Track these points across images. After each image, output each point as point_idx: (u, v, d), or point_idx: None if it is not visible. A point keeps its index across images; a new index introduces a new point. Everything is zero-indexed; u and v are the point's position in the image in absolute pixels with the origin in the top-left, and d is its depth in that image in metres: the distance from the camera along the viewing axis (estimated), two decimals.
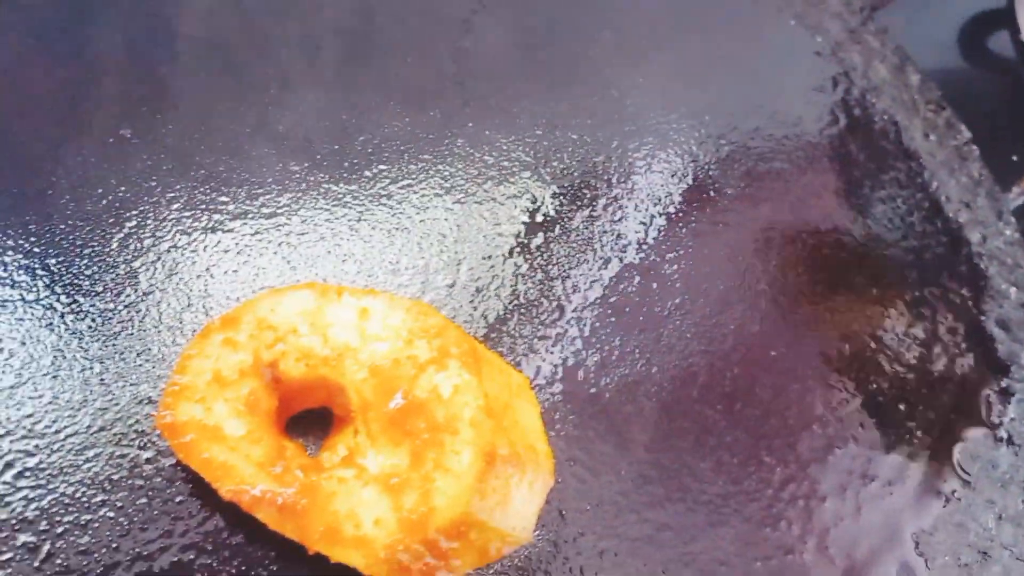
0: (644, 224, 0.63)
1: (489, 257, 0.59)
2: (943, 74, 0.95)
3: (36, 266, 0.53)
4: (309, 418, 0.51)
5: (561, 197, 0.63)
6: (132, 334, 0.53)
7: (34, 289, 0.53)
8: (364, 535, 0.45)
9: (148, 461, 0.49)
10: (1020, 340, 0.66)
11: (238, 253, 0.56)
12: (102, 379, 0.51)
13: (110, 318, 0.53)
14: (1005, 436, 0.62)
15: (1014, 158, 0.89)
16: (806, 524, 0.56)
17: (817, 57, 0.74)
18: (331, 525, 0.45)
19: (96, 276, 0.54)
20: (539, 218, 0.62)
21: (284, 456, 0.47)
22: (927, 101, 0.75)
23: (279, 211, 0.58)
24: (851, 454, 0.59)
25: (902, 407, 0.61)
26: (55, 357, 0.51)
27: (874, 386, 0.61)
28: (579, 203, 0.63)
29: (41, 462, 0.48)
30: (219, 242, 0.56)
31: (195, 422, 0.47)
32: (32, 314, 0.52)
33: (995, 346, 0.65)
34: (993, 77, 1.00)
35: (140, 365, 0.52)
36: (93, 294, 0.53)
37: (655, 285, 0.61)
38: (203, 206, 0.57)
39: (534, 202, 0.62)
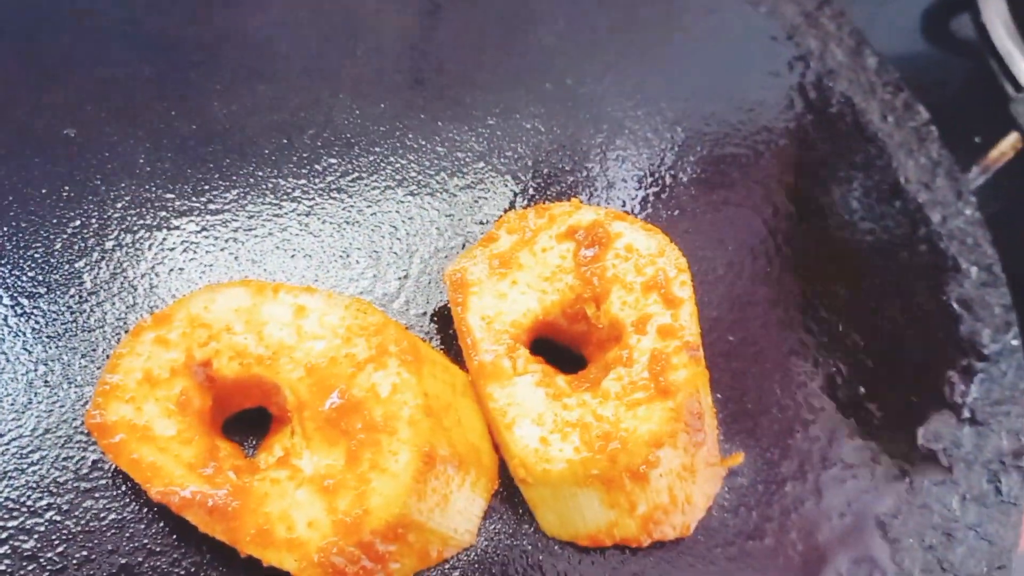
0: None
1: (441, 249, 0.54)
2: (906, 59, 0.89)
3: None
4: (249, 419, 0.47)
5: (515, 187, 0.57)
6: (76, 335, 0.49)
7: None
8: (297, 538, 0.41)
9: (94, 464, 0.46)
10: (982, 319, 0.60)
11: (184, 251, 0.52)
12: (46, 381, 0.47)
13: (54, 319, 0.49)
14: (968, 416, 0.56)
15: (977, 139, 0.83)
16: (766, 509, 0.51)
17: (773, 41, 0.68)
18: (262, 527, 0.41)
19: (39, 277, 0.50)
20: (493, 209, 0.56)
21: (217, 457, 0.42)
22: (885, 83, 0.68)
23: (225, 207, 0.54)
24: (811, 437, 0.54)
25: (862, 389, 0.55)
26: None
27: (834, 368, 0.55)
28: (534, 193, 0.57)
29: None
30: (164, 239, 0.52)
31: (125, 422, 0.42)
32: None
33: (957, 326, 0.59)
34: (957, 60, 0.94)
35: (85, 366, 0.48)
36: (36, 295, 0.49)
37: None
38: (148, 204, 0.53)
39: (487, 192, 0.57)
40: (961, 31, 0.99)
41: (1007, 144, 0.69)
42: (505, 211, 0.57)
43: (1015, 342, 0.60)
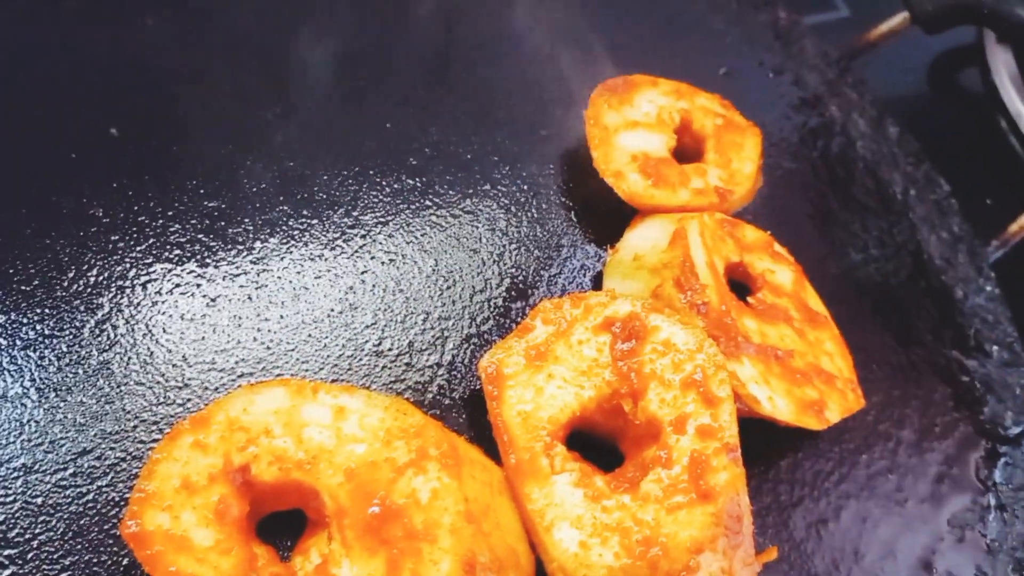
0: None
1: (473, 335, 0.53)
2: (912, 112, 0.89)
3: (2, 359, 0.48)
4: (282, 517, 0.45)
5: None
6: (107, 430, 0.47)
7: (2, 386, 0.47)
8: None
9: (126, 569, 0.44)
10: (1004, 400, 0.59)
11: (216, 339, 0.50)
12: (75, 481, 0.45)
13: (83, 413, 0.47)
14: (993, 502, 0.56)
15: (988, 201, 0.83)
16: None
17: (795, 110, 0.67)
18: None
19: (68, 367, 0.48)
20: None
21: (255, 566, 0.41)
22: (907, 154, 0.68)
23: (256, 291, 0.52)
24: (842, 528, 0.53)
25: (892, 476, 0.55)
26: (25, 459, 0.45)
27: (864, 456, 0.54)
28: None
29: (15, 573, 0.43)
30: (195, 328, 0.50)
31: (161, 532, 0.41)
32: (1, 413, 0.46)
33: (981, 408, 0.58)
34: (962, 115, 0.94)
35: (115, 464, 0.46)
36: (64, 388, 0.47)
37: None
38: (180, 289, 0.51)
39: (516, 270, 0.56)
40: (966, 82, 0.99)
41: None
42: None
43: None
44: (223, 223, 0.55)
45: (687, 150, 0.63)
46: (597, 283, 0.58)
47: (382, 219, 0.57)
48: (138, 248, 0.53)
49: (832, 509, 0.53)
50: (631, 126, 0.62)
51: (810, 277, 0.59)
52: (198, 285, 0.52)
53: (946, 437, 0.57)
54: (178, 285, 0.52)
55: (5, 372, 0.47)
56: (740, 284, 0.57)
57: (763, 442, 0.52)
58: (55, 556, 0.44)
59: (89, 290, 0.51)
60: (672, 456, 0.46)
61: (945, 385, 0.59)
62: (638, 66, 0.65)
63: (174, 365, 0.49)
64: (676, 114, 0.64)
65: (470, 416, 0.52)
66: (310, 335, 0.52)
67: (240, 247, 0.54)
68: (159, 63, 0.61)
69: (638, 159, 0.60)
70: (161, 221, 0.54)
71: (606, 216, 0.59)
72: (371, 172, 0.59)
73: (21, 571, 0.43)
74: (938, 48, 0.97)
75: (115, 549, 0.44)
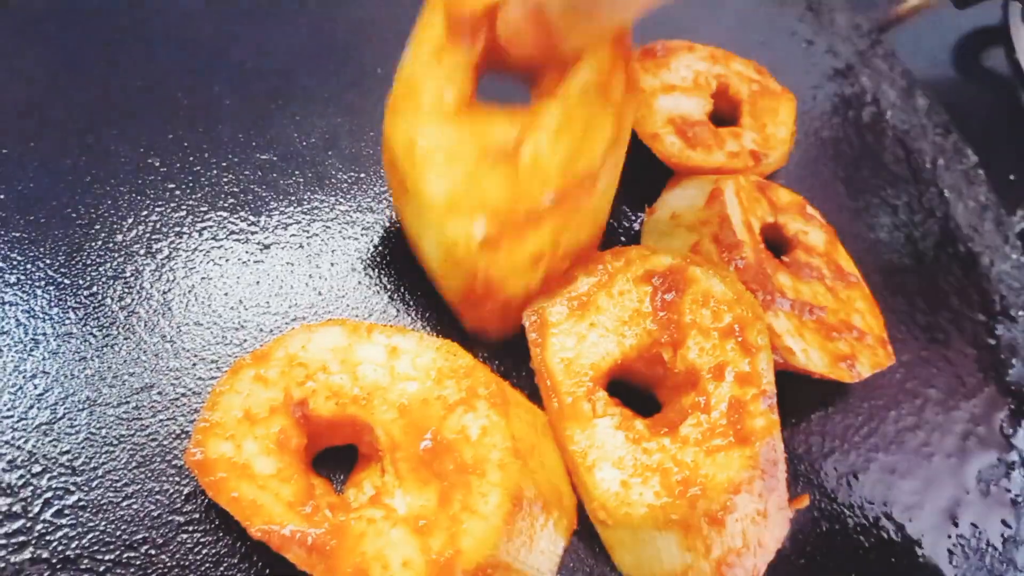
0: None
1: None
2: (938, 90, 0.90)
3: (68, 299, 0.50)
4: (335, 452, 0.47)
5: None
6: (167, 367, 0.48)
7: (66, 323, 0.49)
8: None
9: (187, 497, 0.46)
10: None
11: (270, 284, 0.52)
12: (138, 414, 0.47)
13: (144, 351, 0.49)
14: (1017, 459, 0.57)
15: (1012, 177, 0.84)
16: (829, 551, 0.51)
17: (827, 79, 0.69)
18: (360, 566, 0.41)
19: (130, 308, 0.50)
20: None
21: (313, 495, 0.43)
22: (935, 125, 0.69)
23: (308, 240, 0.54)
24: (871, 480, 0.54)
25: (919, 432, 0.56)
26: (90, 392, 0.47)
27: (892, 412, 0.56)
28: None
29: (80, 500, 0.45)
30: (250, 273, 0.52)
31: (225, 460, 0.43)
32: (66, 348, 0.48)
33: (1006, 370, 0.60)
34: (986, 93, 0.95)
35: (176, 399, 0.48)
36: (127, 327, 0.49)
37: None
38: (235, 236, 0.53)
39: None
40: (991, 62, 1.00)
41: None
42: None
43: None
44: (275, 175, 0.56)
45: (723, 114, 0.64)
46: (635, 242, 0.60)
47: None
48: (194, 196, 0.54)
49: (862, 461, 0.55)
50: (668, 90, 0.63)
51: (841, 240, 0.61)
52: (252, 232, 0.54)
53: (972, 396, 0.59)
54: (233, 232, 0.53)
55: (70, 311, 0.49)
56: (774, 245, 0.59)
57: (795, 396, 0.54)
58: (119, 484, 0.45)
59: (148, 235, 0.52)
60: (711, 402, 0.48)
61: (971, 347, 0.61)
62: (674, 34, 0.66)
63: (231, 307, 0.51)
64: (712, 79, 0.65)
65: (513, 367, 0.53)
66: (359, 282, 0.54)
67: (291, 198, 0.56)
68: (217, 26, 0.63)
69: (675, 122, 0.61)
70: (215, 171, 0.55)
71: (644, 177, 0.60)
72: None
73: (87, 497, 0.44)
74: (964, 28, 0.97)
75: (177, 479, 0.46)
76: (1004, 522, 0.55)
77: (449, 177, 0.46)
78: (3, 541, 0.43)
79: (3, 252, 0.50)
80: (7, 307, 0.49)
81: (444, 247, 0.47)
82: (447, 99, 0.47)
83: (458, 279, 0.49)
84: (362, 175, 0.58)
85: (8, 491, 0.44)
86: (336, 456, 0.47)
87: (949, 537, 0.54)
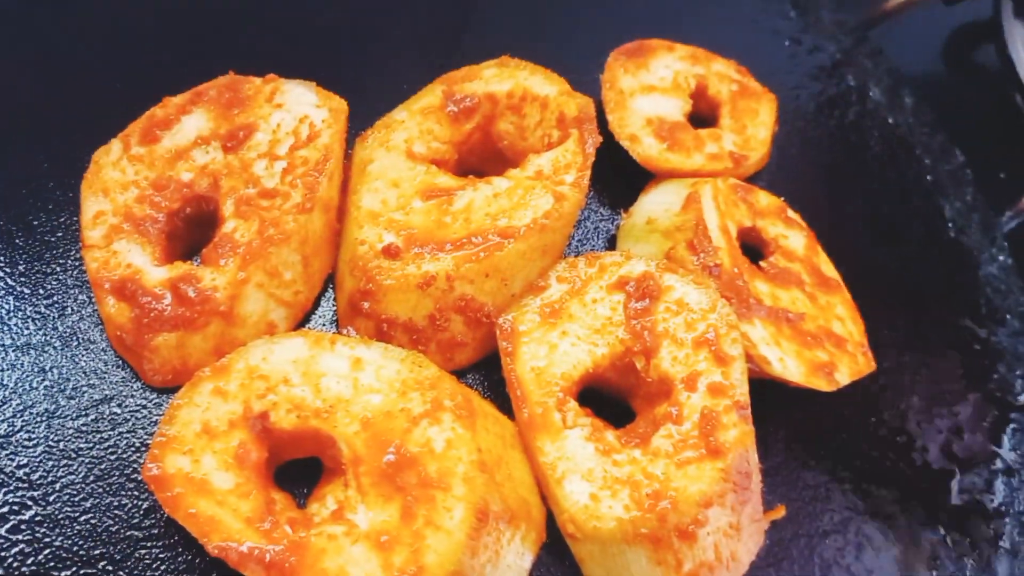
0: None
1: None
2: (927, 87, 0.89)
3: (27, 308, 0.49)
4: (299, 464, 0.46)
5: None
6: (128, 378, 0.47)
7: (25, 333, 0.48)
8: None
9: (146, 512, 0.45)
10: (1014, 369, 0.60)
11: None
12: (97, 427, 0.46)
13: (105, 362, 0.48)
14: (1001, 468, 0.56)
15: (1001, 175, 0.83)
16: (807, 563, 0.50)
17: (811, 79, 0.67)
18: None
19: (89, 318, 0.49)
20: None
21: (273, 511, 0.42)
22: (922, 124, 0.68)
23: None
24: (850, 489, 0.53)
25: (901, 440, 0.55)
26: (48, 404, 0.46)
27: (874, 419, 0.55)
28: None
29: (36, 514, 0.44)
30: None
31: (182, 475, 0.42)
32: (25, 359, 0.47)
33: (990, 376, 0.59)
34: (977, 90, 0.93)
35: (135, 411, 0.47)
36: (88, 338, 0.48)
37: None
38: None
39: None
40: (982, 58, 0.98)
41: None
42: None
43: None
44: None
45: (702, 115, 0.63)
46: (610, 247, 0.59)
47: None
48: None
49: (840, 470, 0.54)
50: (647, 90, 0.62)
51: (823, 243, 0.59)
52: None
53: (955, 403, 0.57)
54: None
55: (29, 320, 0.48)
56: (753, 249, 0.58)
57: (773, 403, 0.52)
58: (77, 499, 0.45)
59: None
60: (683, 412, 0.47)
61: (955, 352, 0.59)
62: (654, 33, 0.65)
63: None
64: (692, 79, 0.63)
65: (484, 376, 0.52)
66: (322, 294, 0.53)
67: None
68: None
69: (653, 123, 0.60)
70: None
71: (621, 180, 0.59)
72: None
73: (44, 512, 0.44)
74: (954, 23, 0.96)
75: (136, 493, 0.45)
76: (986, 531, 0.54)
77: (383, 195, 0.51)
78: None
79: None
80: None
81: (352, 247, 0.50)
82: (416, 148, 0.53)
83: (352, 280, 0.50)
84: None
85: None
86: (302, 469, 0.46)
87: (931, 546, 0.53)
